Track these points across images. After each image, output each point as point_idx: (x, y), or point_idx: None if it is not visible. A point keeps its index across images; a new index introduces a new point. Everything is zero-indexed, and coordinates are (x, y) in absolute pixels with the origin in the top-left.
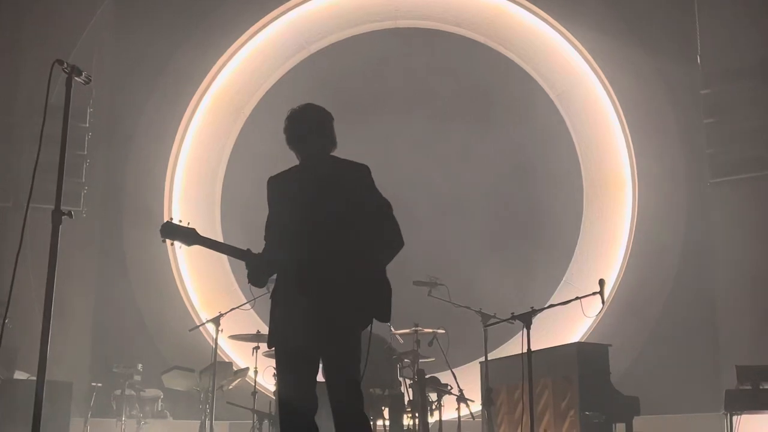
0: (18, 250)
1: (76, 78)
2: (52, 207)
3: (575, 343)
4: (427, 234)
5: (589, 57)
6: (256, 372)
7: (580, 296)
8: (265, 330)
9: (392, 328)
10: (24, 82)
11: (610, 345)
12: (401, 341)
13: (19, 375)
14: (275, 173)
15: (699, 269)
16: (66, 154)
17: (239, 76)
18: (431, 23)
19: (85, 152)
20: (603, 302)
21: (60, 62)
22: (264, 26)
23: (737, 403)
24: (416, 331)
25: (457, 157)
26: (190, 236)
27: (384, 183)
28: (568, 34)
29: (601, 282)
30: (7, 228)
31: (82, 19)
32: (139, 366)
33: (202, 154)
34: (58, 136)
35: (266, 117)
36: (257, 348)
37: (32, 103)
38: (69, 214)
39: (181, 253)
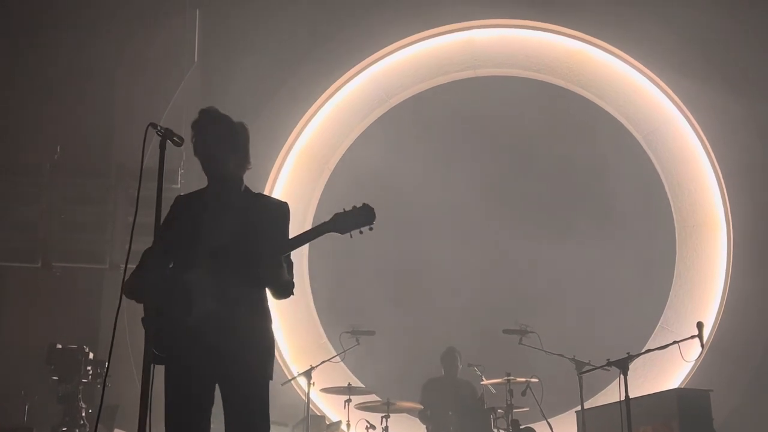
0: (117, 310)
1: (169, 140)
2: None
3: (675, 389)
4: (516, 281)
5: (673, 94)
6: (348, 425)
7: (677, 340)
8: (356, 382)
9: (484, 378)
10: (116, 146)
11: (712, 390)
12: (493, 391)
13: None
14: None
15: None
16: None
17: (324, 132)
18: (511, 70)
19: None
20: (702, 346)
21: (154, 125)
22: (347, 81)
23: None
24: (509, 380)
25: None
26: None
27: (466, 230)
28: (652, 75)
29: (700, 325)
30: (104, 289)
31: (170, 84)
32: None
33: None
34: (150, 198)
35: (350, 171)
36: (349, 400)
37: (124, 166)
38: None
39: (273, 307)
